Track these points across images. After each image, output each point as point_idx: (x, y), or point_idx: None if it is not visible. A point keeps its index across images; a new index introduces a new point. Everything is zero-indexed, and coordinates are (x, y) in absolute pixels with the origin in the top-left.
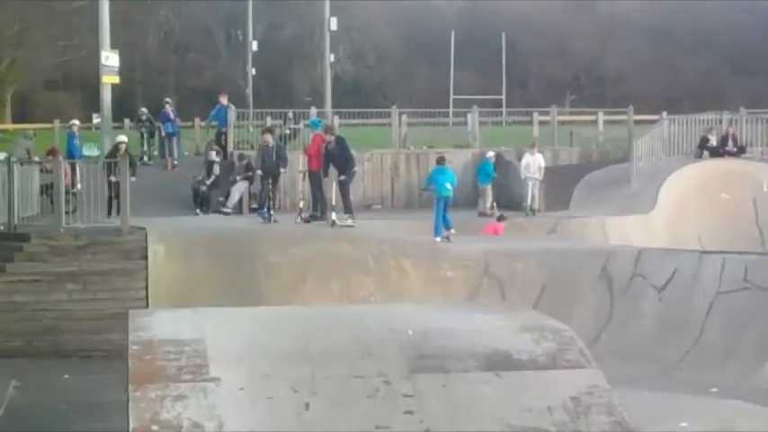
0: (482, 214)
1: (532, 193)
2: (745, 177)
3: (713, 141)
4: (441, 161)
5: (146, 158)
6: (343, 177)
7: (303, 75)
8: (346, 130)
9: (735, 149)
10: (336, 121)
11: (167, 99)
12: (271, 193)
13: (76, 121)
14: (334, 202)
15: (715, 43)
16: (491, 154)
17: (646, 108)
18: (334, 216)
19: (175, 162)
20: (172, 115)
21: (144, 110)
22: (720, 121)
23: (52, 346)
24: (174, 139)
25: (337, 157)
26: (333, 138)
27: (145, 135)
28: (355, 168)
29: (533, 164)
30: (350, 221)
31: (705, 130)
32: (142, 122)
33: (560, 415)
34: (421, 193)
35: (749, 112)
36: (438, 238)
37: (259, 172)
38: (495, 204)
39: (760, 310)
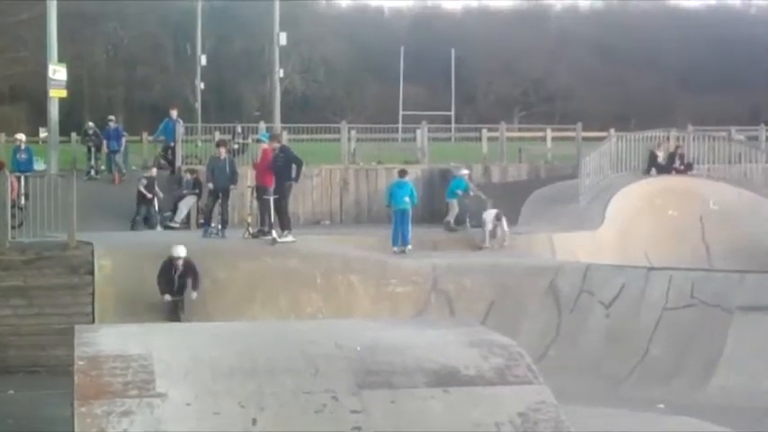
0: (450, 229)
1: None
2: (693, 194)
3: (661, 157)
4: (402, 174)
5: (92, 173)
6: (276, 196)
7: (252, 89)
8: (295, 145)
9: (682, 167)
10: (285, 135)
11: (111, 117)
12: (221, 208)
13: (22, 136)
14: (273, 219)
15: (663, 61)
16: (465, 171)
17: (594, 125)
18: (274, 233)
19: (124, 177)
20: (119, 131)
21: (91, 124)
22: (668, 138)
23: None
24: (120, 155)
25: (282, 165)
26: (279, 145)
27: (92, 149)
28: (292, 181)
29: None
30: (290, 238)
31: (654, 145)
32: (89, 137)
33: (508, 430)
34: (370, 209)
35: (696, 129)
36: (395, 248)
37: (210, 185)
38: (451, 221)
39: (706, 326)
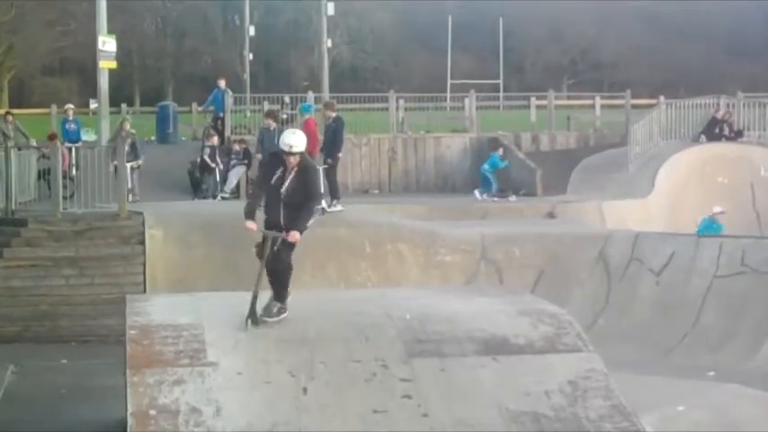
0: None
1: None
2: (743, 161)
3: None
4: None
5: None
6: (326, 165)
7: (300, 60)
8: (344, 115)
9: (732, 134)
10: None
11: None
12: None
13: (71, 106)
14: (323, 190)
15: (712, 27)
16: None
17: (643, 92)
18: (324, 203)
19: (136, 198)
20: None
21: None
22: (718, 105)
23: (50, 331)
24: (136, 172)
25: (330, 137)
26: (333, 115)
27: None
28: (339, 154)
29: None
30: (339, 207)
31: (713, 110)
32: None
33: (558, 399)
34: (418, 178)
35: (746, 96)
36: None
37: (258, 156)
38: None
39: (757, 294)
